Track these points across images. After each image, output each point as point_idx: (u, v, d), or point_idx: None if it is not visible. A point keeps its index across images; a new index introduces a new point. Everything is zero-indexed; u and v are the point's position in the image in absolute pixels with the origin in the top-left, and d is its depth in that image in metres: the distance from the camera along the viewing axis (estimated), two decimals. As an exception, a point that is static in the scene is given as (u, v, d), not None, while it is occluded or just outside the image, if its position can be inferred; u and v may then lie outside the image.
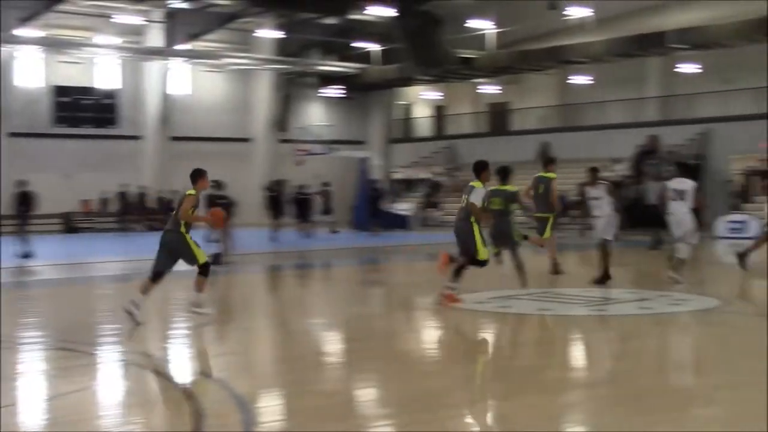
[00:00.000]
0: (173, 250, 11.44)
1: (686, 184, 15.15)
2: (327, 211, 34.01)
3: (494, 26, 39.63)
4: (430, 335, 11.61)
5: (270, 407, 7.51)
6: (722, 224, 28.84)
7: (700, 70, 39.58)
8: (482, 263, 12.92)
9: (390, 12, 35.50)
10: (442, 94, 49.20)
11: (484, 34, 40.34)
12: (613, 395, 7.57)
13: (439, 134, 49.22)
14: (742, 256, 16.67)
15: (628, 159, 37.92)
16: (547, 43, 39.34)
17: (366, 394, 8.02)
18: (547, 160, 16.09)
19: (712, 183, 34.70)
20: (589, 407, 7.28)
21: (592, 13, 35.57)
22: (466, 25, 39.06)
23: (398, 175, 45.19)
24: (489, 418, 7.14)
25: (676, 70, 40.68)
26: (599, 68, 41.17)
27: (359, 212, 34.87)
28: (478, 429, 6.86)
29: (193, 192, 11.45)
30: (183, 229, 11.39)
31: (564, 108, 45.19)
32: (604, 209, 15.09)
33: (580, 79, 42.74)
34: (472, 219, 12.68)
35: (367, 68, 44.02)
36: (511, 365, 9.16)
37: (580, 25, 37.14)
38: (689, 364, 9.34)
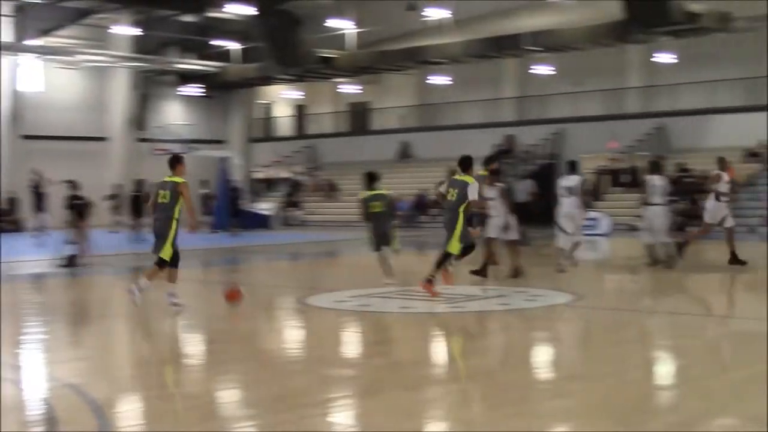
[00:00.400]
0: (158, 234, 12.17)
1: (573, 180, 16.54)
2: (208, 212, 33.80)
3: (354, 26, 39.86)
4: (291, 335, 11.60)
5: (128, 411, 7.37)
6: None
7: (553, 72, 40.80)
8: (451, 255, 13.11)
9: (249, 10, 35.24)
10: (302, 93, 49.16)
11: (344, 33, 40.53)
12: (470, 390, 7.73)
13: (300, 134, 49.19)
14: (680, 246, 17.22)
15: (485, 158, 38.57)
16: (406, 44, 39.80)
17: (228, 396, 7.95)
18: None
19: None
20: (448, 403, 7.41)
21: (449, 15, 36.18)
22: (326, 24, 39.13)
23: (259, 175, 44.93)
24: (351, 416, 7.19)
25: (530, 71, 41.83)
26: (457, 69, 41.91)
27: (219, 212, 34.52)
28: (340, 428, 6.90)
29: (183, 180, 12.08)
30: (176, 216, 12.04)
31: (423, 108, 45.82)
32: (498, 209, 15.50)
33: (438, 80, 43.42)
34: (460, 210, 12.95)
35: (226, 67, 43.56)
36: (371, 363, 9.24)
37: (439, 27, 37.71)
38: (543, 358, 9.61)
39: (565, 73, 40.54)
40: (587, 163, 37.46)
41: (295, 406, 7.14)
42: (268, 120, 50.73)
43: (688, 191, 31.25)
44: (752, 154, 32.88)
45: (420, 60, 39.57)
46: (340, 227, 34.07)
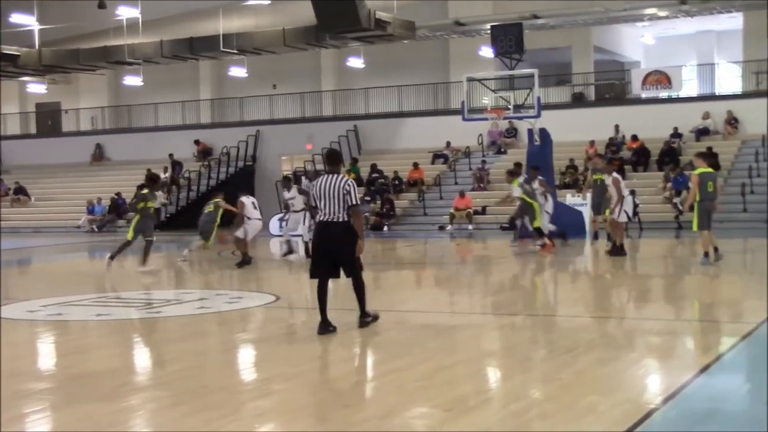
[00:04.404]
0: None
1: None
2: None
3: (40, 22, 37.94)
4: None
5: None
6: (274, 222, 30.05)
7: (246, 75, 41.17)
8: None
9: None
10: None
11: (33, 30, 38.37)
12: (172, 396, 7.63)
13: (-18, 135, 46.34)
14: (614, 249, 18.51)
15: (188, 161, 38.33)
16: (99, 43, 38.46)
17: None
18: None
19: (265, 181, 36.22)
20: (149, 410, 7.29)
21: (139, 15, 35.38)
22: (9, 20, 37.03)
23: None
24: (47, 431, 6.91)
25: (228, 74, 42.00)
26: (153, 70, 41.17)
27: None
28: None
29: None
30: None
31: (118, 109, 44.67)
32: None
33: (133, 81, 42.41)
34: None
35: None
36: (68, 374, 8.89)
37: (134, 26, 36.78)
38: (244, 360, 9.68)
39: (261, 75, 41.00)
40: (285, 164, 38.11)
41: (-15, 425, 6.75)
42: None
43: (380, 191, 32.59)
44: (439, 156, 34.81)
45: (113, 60, 38.35)
46: (32, 233, 32.48)
